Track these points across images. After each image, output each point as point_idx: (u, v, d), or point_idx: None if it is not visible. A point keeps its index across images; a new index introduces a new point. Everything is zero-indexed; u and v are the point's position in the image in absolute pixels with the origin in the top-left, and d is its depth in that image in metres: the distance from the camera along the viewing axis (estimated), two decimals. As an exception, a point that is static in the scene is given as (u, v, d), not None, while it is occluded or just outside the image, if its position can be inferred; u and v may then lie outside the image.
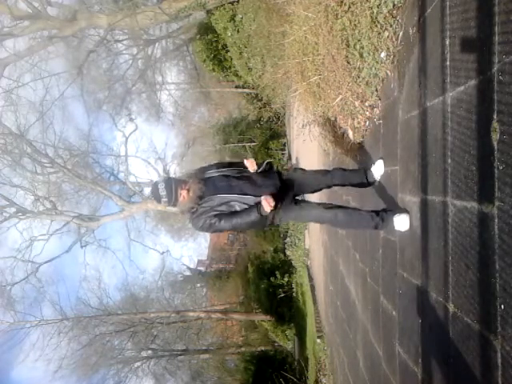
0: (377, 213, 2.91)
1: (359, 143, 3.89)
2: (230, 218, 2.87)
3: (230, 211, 2.90)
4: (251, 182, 2.95)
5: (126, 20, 12.62)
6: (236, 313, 19.95)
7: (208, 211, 2.89)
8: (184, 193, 2.85)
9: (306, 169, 3.43)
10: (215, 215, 2.88)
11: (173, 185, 2.87)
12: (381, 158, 3.18)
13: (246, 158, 3.05)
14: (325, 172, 3.39)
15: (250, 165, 3.01)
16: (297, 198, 3.15)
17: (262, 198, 2.77)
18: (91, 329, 19.61)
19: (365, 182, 3.27)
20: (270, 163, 3.17)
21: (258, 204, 2.82)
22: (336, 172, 3.34)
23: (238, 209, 2.90)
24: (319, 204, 3.16)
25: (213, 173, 3.01)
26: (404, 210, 2.67)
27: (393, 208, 2.85)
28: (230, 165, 3.09)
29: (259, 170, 3.05)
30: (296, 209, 3.05)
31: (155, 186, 2.94)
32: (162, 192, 2.86)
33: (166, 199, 2.87)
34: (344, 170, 3.43)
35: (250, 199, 2.87)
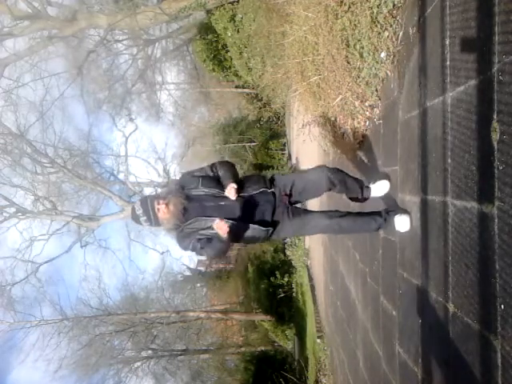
0: (379, 214, 2.86)
1: (359, 143, 3.89)
2: (209, 247, 2.70)
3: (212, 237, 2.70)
4: (241, 204, 2.72)
5: (126, 20, 12.62)
6: (236, 313, 19.96)
7: (195, 233, 2.72)
8: (162, 207, 2.66)
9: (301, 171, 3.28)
10: (199, 239, 2.71)
11: (148, 202, 2.71)
12: (385, 179, 2.96)
13: (228, 187, 2.71)
14: (322, 176, 2.99)
15: (232, 195, 2.69)
16: (295, 206, 2.97)
17: (214, 224, 2.56)
18: (91, 329, 19.62)
19: (359, 198, 3.05)
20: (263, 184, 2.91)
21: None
22: (336, 176, 2.97)
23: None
24: (320, 213, 2.95)
25: (199, 191, 2.77)
26: (405, 211, 2.66)
27: (394, 208, 2.83)
28: (217, 182, 2.80)
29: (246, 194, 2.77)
30: (296, 223, 2.87)
31: (132, 208, 2.80)
32: (139, 211, 2.71)
33: (144, 217, 2.71)
34: (345, 179, 3.05)
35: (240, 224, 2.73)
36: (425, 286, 2.27)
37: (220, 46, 13.24)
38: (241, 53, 11.37)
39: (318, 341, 8.55)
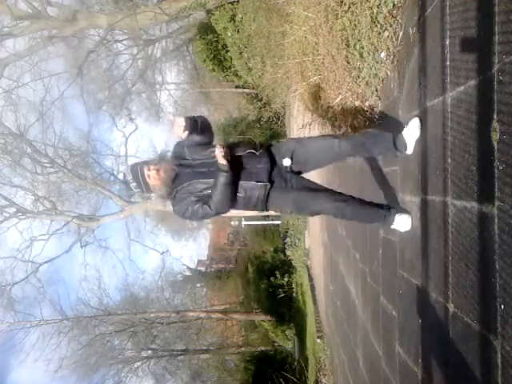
0: (381, 208, 2.74)
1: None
2: (209, 199, 2.53)
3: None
4: (237, 166, 2.57)
5: (126, 20, 12.61)
6: (236, 313, 19.96)
7: (189, 197, 2.59)
8: (152, 173, 2.55)
9: (305, 137, 2.93)
10: (197, 201, 2.57)
11: (138, 168, 2.61)
12: (416, 116, 2.45)
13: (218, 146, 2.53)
14: (333, 140, 2.73)
15: (222, 159, 2.48)
16: (300, 176, 2.75)
17: (216, 152, 2.43)
18: (91, 329, 19.60)
19: (392, 150, 2.60)
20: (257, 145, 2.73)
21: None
22: (350, 139, 2.75)
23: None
24: (326, 195, 2.71)
25: (193, 159, 2.67)
26: (406, 211, 2.63)
27: (395, 206, 2.78)
28: (207, 146, 2.67)
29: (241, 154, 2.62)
30: (299, 197, 2.64)
31: (123, 175, 2.77)
32: (128, 177, 2.64)
33: (134, 183, 2.63)
34: (362, 136, 2.83)
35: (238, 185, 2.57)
36: (425, 286, 2.27)
37: (220, 46, 13.23)
38: (241, 53, 11.37)
39: (318, 341, 8.56)
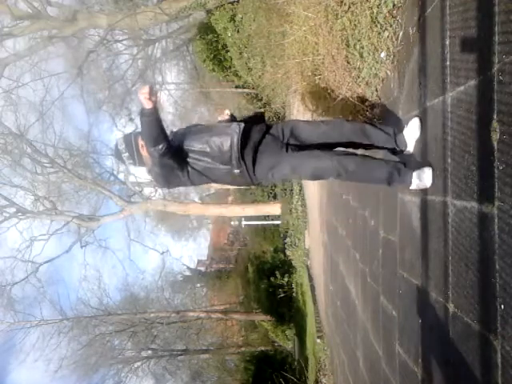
0: (394, 161, 2.45)
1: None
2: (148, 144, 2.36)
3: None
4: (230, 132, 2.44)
5: (126, 20, 12.61)
6: (236, 313, 19.97)
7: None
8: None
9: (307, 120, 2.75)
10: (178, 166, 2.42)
11: (132, 137, 2.50)
12: (416, 116, 2.40)
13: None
14: (338, 122, 2.62)
15: (144, 97, 2.30)
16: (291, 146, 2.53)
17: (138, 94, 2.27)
18: (91, 329, 19.61)
19: (393, 147, 2.54)
20: (259, 113, 2.71)
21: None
22: (354, 122, 2.61)
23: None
24: (323, 151, 2.49)
25: (190, 127, 2.61)
26: (426, 163, 2.22)
27: (412, 163, 2.42)
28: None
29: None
30: (287, 156, 2.45)
31: (115, 143, 2.57)
32: (121, 146, 2.51)
33: (126, 153, 2.51)
34: (365, 123, 2.67)
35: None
36: (425, 286, 2.27)
37: (220, 46, 13.23)
38: (241, 53, 11.37)
39: (318, 341, 8.56)
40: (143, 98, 2.24)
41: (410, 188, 2.34)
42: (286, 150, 2.48)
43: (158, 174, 2.52)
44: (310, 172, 2.50)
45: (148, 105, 2.24)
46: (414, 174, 2.28)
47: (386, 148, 2.62)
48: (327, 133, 2.57)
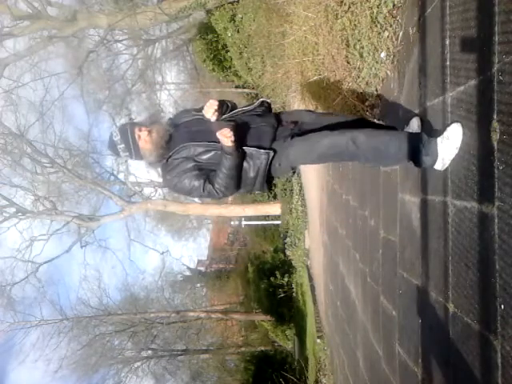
0: (413, 134, 2.18)
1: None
2: (214, 178, 2.23)
3: (211, 169, 2.26)
4: (238, 124, 2.30)
5: (126, 20, 12.61)
6: (236, 313, 19.98)
7: (184, 163, 2.27)
8: (144, 135, 2.29)
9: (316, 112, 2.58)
10: (198, 171, 2.25)
11: (128, 128, 2.33)
12: (416, 115, 2.30)
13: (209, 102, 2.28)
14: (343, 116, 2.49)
15: (209, 112, 2.24)
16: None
17: (217, 134, 2.14)
18: (91, 329, 19.62)
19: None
20: (264, 103, 2.45)
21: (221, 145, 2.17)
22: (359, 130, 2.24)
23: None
24: (331, 130, 2.26)
25: (188, 117, 2.42)
26: (455, 121, 1.87)
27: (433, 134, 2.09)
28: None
29: (225, 117, 2.31)
30: (295, 143, 2.27)
31: (110, 135, 2.39)
32: (116, 137, 2.32)
33: (122, 145, 2.32)
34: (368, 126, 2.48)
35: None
36: (425, 286, 2.27)
37: (220, 46, 13.23)
38: (241, 53, 11.37)
39: (318, 341, 8.56)
40: (227, 141, 2.14)
41: (437, 163, 1.96)
42: (292, 138, 2.33)
43: (176, 186, 2.39)
44: (323, 151, 2.23)
45: (231, 146, 2.15)
46: (439, 139, 1.93)
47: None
48: (332, 120, 2.46)
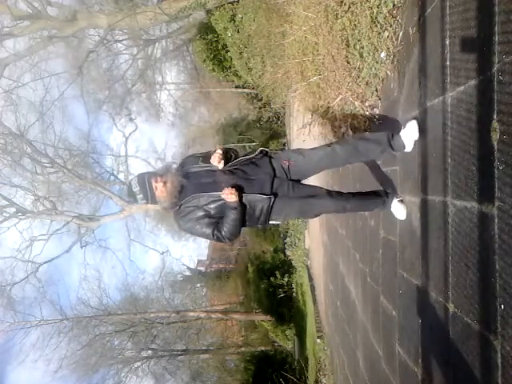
0: (380, 195, 2.86)
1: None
2: (222, 226, 2.63)
3: (219, 216, 2.64)
4: (239, 175, 2.65)
5: (126, 20, 12.61)
6: (236, 313, 19.97)
7: (194, 211, 2.63)
8: (160, 186, 2.60)
9: (304, 149, 2.90)
10: (207, 220, 2.63)
11: (145, 179, 2.63)
12: (414, 119, 2.47)
13: (215, 152, 2.68)
14: (331, 152, 2.77)
15: (215, 160, 2.64)
16: (300, 183, 2.84)
17: (222, 196, 2.55)
18: (91, 329, 19.62)
19: (388, 151, 2.66)
20: (263, 151, 2.80)
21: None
22: (344, 144, 2.79)
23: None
24: (325, 196, 2.80)
25: (197, 167, 2.71)
26: (402, 201, 2.71)
27: (393, 193, 2.87)
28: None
29: (233, 164, 2.69)
30: (299, 204, 2.74)
31: (129, 184, 2.73)
32: (135, 188, 2.64)
33: (140, 195, 2.64)
34: (355, 139, 2.88)
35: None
36: (425, 286, 2.27)
37: (220, 46, 13.22)
38: (241, 53, 11.36)
39: (318, 341, 8.56)
40: (230, 199, 2.53)
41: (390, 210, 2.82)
42: (293, 189, 2.72)
43: (190, 231, 2.75)
44: (316, 215, 2.94)
45: (235, 202, 2.55)
46: (393, 204, 2.77)
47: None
48: (321, 163, 2.81)
